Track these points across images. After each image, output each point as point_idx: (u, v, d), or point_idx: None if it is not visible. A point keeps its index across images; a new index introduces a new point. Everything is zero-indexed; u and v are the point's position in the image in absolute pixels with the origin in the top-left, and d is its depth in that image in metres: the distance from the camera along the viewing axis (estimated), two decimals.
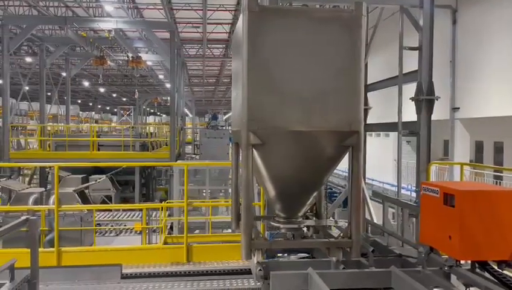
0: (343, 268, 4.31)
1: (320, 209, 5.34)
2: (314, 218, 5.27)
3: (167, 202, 11.82)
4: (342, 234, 4.51)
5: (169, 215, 11.07)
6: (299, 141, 4.20)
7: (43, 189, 11.75)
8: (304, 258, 5.53)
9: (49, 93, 24.72)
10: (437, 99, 7.18)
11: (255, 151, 4.21)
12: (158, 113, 65.83)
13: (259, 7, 4.14)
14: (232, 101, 5.00)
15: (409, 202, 5.81)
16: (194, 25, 23.26)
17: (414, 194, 11.39)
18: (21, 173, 18.05)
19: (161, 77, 37.06)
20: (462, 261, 3.95)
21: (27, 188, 12.11)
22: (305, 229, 5.06)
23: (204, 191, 13.79)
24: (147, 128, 27.12)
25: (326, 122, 4.20)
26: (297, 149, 4.24)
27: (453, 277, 3.99)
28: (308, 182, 4.53)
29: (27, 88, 20.71)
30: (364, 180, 9.06)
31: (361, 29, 4.27)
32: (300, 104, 4.16)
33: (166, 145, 21.01)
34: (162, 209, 9.33)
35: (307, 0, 7.35)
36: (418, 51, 7.25)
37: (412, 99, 7.23)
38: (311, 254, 5.51)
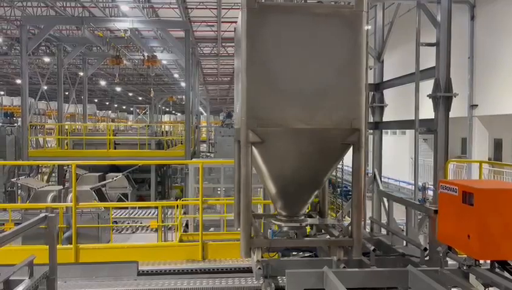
0: (344, 267, 4.26)
1: (324, 207, 5.29)
2: (317, 217, 5.23)
3: (182, 200, 11.89)
4: (343, 233, 4.49)
5: (184, 213, 11.12)
6: (298, 139, 4.17)
7: (61, 187, 11.92)
8: (307, 257, 5.47)
9: (66, 93, 25.13)
10: (455, 96, 7.06)
11: (254, 149, 4.19)
12: (173, 112, 66.28)
13: (258, 4, 4.11)
14: (235, 99, 4.99)
15: (413, 201, 5.72)
16: (209, 23, 23.33)
17: (431, 192, 11.23)
18: (39, 171, 18.36)
19: (176, 75, 37.30)
20: (481, 261, 3.87)
21: (45, 186, 12.30)
22: (308, 227, 5.03)
23: (219, 189, 13.82)
24: (163, 126, 27.31)
25: (326, 120, 4.15)
26: (297, 147, 4.21)
27: (472, 277, 3.92)
28: (308, 180, 4.49)
29: (45, 88, 21.06)
30: (381, 179, 8.97)
31: (363, 25, 4.21)
32: (300, 101, 4.12)
33: (181, 143, 21.14)
34: (177, 207, 9.39)
35: None
36: (435, 47, 7.13)
37: (429, 96, 7.12)
38: (315, 252, 5.46)
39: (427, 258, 4.70)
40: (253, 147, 4.16)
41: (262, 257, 4.45)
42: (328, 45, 4.16)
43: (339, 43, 4.17)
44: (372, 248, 4.55)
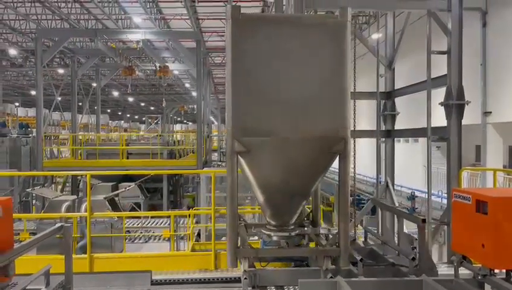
0: (331, 277, 4.24)
1: (316, 217, 5.26)
2: (310, 226, 5.21)
3: (194, 209, 11.92)
4: (330, 242, 4.49)
5: (196, 222, 11.15)
6: (284, 148, 4.19)
7: (75, 197, 12.05)
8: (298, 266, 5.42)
9: (80, 104, 25.47)
10: (467, 104, 7.01)
11: (242, 159, 4.22)
12: (185, 121, 66.66)
13: (243, 16, 4.17)
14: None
15: (404, 210, 5.67)
16: (220, 33, 23.54)
17: (445, 201, 11.11)
18: (54, 181, 18.58)
19: (187, 85, 37.62)
20: (496, 270, 3.83)
21: (60, 195, 12.44)
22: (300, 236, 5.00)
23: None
24: (174, 136, 27.47)
25: (311, 129, 4.18)
26: (282, 156, 4.23)
27: (487, 287, 3.88)
28: (295, 189, 4.49)
29: (59, 99, 21.38)
30: (393, 187, 8.91)
31: (347, 35, 4.24)
32: (285, 111, 4.16)
33: (193, 152, 21.24)
34: (189, 217, 9.43)
35: (333, 8, 7.34)
36: (446, 55, 7.11)
37: (441, 104, 7.08)
38: (307, 262, 5.42)
39: (416, 268, 4.64)
40: (240, 156, 4.20)
41: (252, 267, 4.48)
42: (312, 55, 4.20)
43: (324, 53, 4.21)
44: (360, 257, 4.51)
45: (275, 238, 4.78)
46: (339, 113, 4.23)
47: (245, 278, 4.30)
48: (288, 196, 4.52)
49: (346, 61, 4.24)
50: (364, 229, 6.09)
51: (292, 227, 4.83)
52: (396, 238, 6.25)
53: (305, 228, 5.10)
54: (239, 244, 4.40)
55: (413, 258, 4.55)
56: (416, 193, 17.42)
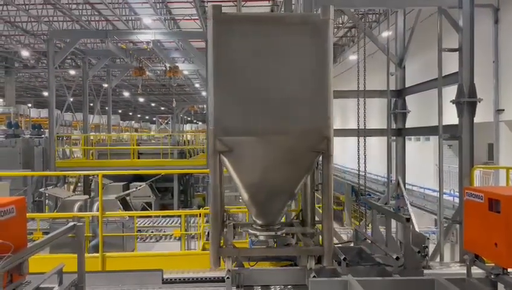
0: (314, 276, 4.20)
1: (306, 216, 5.21)
2: (299, 225, 5.17)
3: (205, 209, 11.96)
4: (314, 242, 4.46)
5: (207, 222, 11.19)
6: (267, 148, 4.17)
7: (87, 196, 12.17)
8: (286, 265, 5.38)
9: (91, 104, 25.73)
10: (479, 102, 6.93)
11: (225, 159, 4.21)
12: (195, 121, 66.92)
13: (224, 15, 4.17)
14: None
15: (390, 209, 5.63)
16: None
17: (457, 199, 11.01)
18: (66, 181, 18.79)
19: (197, 85, 37.75)
20: (509, 269, 3.79)
21: (72, 195, 12.58)
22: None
23: (240, 197, 13.86)
24: (185, 136, 27.60)
25: (294, 128, 4.16)
26: (265, 156, 4.21)
27: (500, 286, 3.84)
28: (279, 189, 4.46)
29: (71, 99, 21.60)
30: (405, 186, 8.85)
31: (329, 34, 4.21)
32: (267, 110, 4.15)
33: (203, 152, 21.31)
34: (200, 216, 9.47)
35: (343, 6, 7.31)
36: (458, 53, 7.04)
37: (452, 102, 7.01)
38: (295, 261, 5.39)
39: (401, 267, 4.60)
40: (223, 156, 4.20)
41: (235, 266, 4.47)
42: (294, 54, 4.18)
43: (306, 51, 4.19)
44: (343, 257, 4.48)
45: (261, 237, 4.76)
46: (321, 112, 4.20)
47: (227, 278, 4.25)
48: (272, 195, 4.49)
49: (328, 59, 4.21)
50: (355, 228, 6.07)
51: (279, 226, 4.80)
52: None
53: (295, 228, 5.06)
54: (222, 244, 4.39)
55: (397, 258, 4.51)
56: (428, 192, 17.35)
